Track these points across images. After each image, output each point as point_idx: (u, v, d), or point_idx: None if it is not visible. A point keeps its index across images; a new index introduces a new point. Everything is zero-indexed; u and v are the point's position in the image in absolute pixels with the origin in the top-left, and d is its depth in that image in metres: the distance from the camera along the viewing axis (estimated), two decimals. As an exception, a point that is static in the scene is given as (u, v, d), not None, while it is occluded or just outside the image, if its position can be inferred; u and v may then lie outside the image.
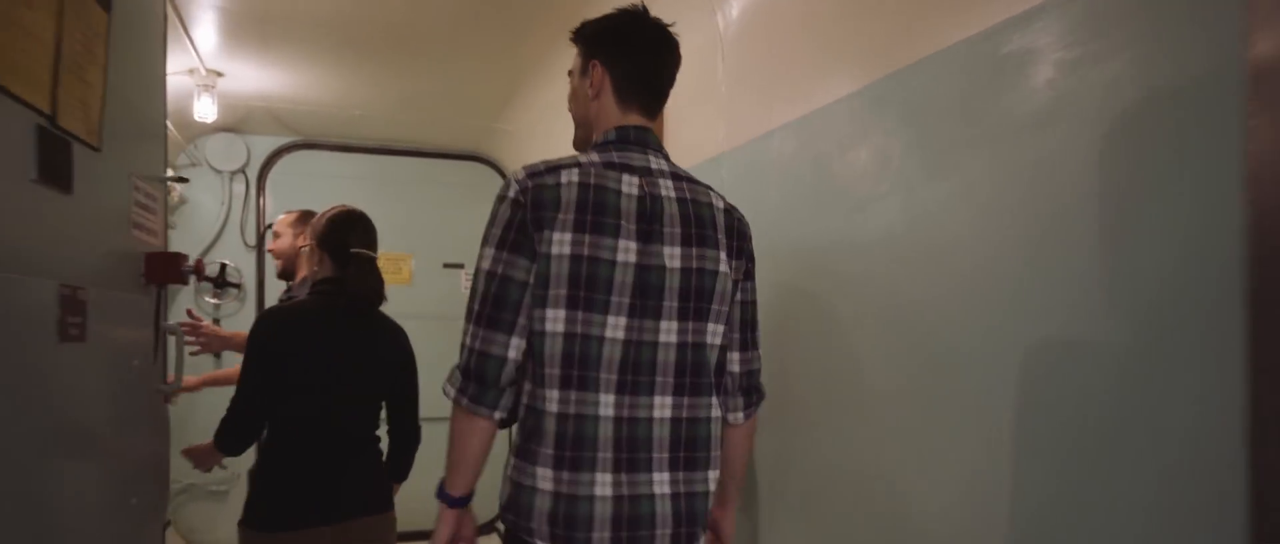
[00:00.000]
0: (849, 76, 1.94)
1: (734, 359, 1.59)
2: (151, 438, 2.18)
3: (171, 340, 2.43)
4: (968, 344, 1.55)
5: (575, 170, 1.44)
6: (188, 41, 3.69)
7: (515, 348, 1.41)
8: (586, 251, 1.40)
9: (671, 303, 1.46)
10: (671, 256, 1.46)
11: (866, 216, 1.85)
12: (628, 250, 1.42)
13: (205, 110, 4.23)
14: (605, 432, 1.41)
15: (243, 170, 5.25)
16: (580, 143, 1.63)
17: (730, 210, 1.59)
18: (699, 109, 2.66)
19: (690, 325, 1.48)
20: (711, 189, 1.58)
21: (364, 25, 3.62)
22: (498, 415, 1.43)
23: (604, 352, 1.41)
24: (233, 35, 3.71)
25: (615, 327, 1.41)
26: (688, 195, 1.52)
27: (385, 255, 4.01)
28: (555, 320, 1.40)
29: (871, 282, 1.83)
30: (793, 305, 2.12)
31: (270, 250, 3.25)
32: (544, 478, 1.41)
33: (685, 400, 1.48)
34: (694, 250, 1.48)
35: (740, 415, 1.62)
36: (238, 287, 5.13)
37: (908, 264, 1.72)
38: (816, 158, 2.06)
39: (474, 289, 1.44)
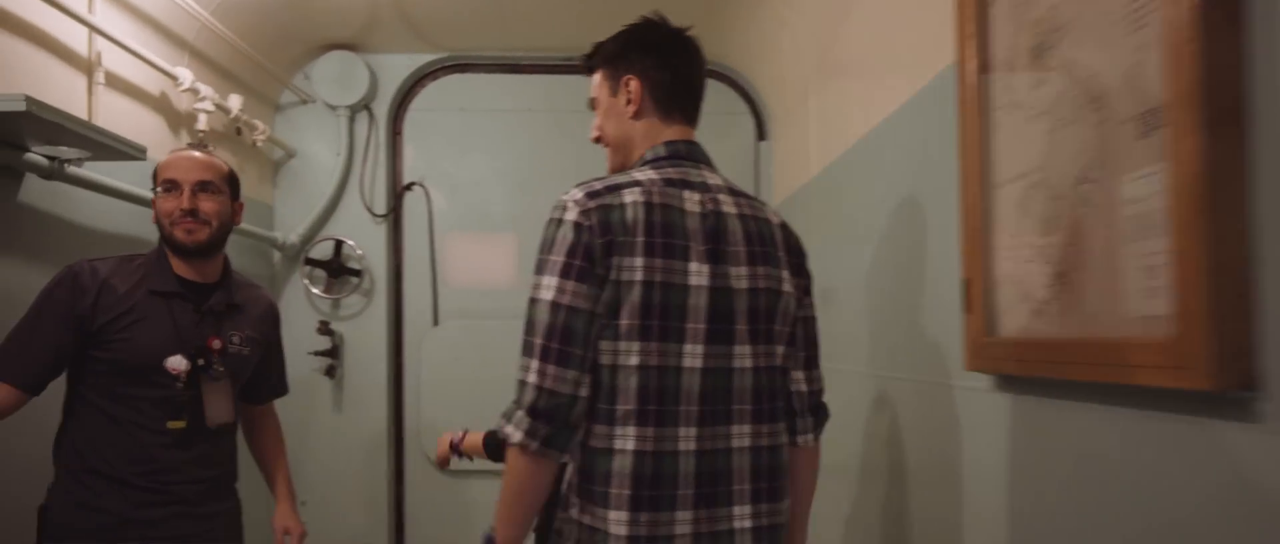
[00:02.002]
0: None
1: (799, 378, 1.54)
2: None
3: None
4: None
5: (637, 189, 1.39)
6: None
7: (586, 385, 1.35)
8: (659, 277, 1.36)
9: (743, 326, 1.43)
10: (738, 277, 1.43)
11: None
12: (700, 273, 1.39)
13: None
14: (687, 467, 1.38)
15: (367, 105, 3.59)
16: (617, 168, 1.56)
17: (785, 226, 1.56)
18: None
19: (761, 349, 1.46)
20: (766, 205, 1.56)
21: None
22: (565, 458, 1.38)
23: (684, 382, 1.38)
24: None
25: (694, 355, 1.39)
26: (748, 211, 1.49)
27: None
28: (628, 353, 1.35)
29: None
30: None
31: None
32: (618, 522, 1.35)
33: (763, 428, 1.46)
34: (759, 269, 1.45)
35: (810, 437, 1.57)
36: (358, 274, 3.51)
37: None
38: None
39: (532, 321, 1.35)
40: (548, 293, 1.33)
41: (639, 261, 1.33)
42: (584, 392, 1.34)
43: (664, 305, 1.35)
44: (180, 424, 1.87)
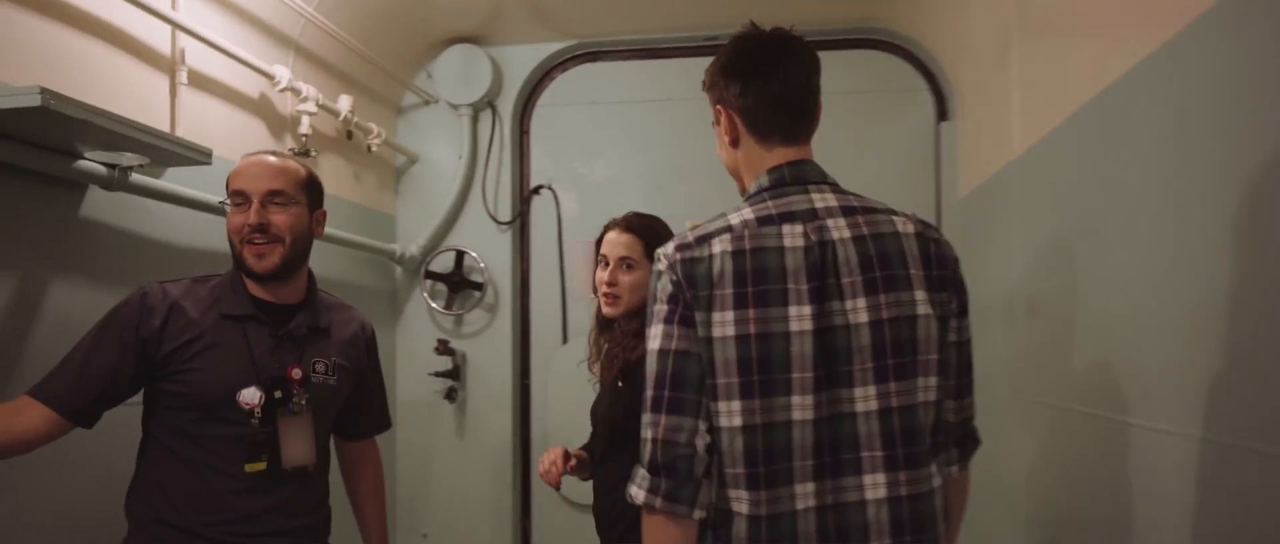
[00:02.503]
0: None
1: (949, 407, 1.39)
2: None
3: None
4: None
5: (727, 236, 1.32)
6: None
7: (703, 433, 1.28)
8: (753, 329, 1.27)
9: (865, 364, 1.29)
10: (855, 310, 1.29)
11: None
12: (801, 317, 1.28)
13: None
14: (807, 526, 1.27)
15: (491, 103, 3.28)
16: (742, 194, 1.49)
17: (923, 234, 1.35)
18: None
19: (892, 387, 1.30)
20: (895, 212, 1.37)
21: None
22: (697, 514, 1.28)
23: (794, 437, 1.27)
24: None
25: (803, 407, 1.27)
26: (866, 231, 1.33)
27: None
28: (730, 414, 1.27)
29: None
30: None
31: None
32: None
33: (901, 475, 1.29)
34: (882, 298, 1.30)
35: (954, 468, 1.43)
36: (481, 288, 3.19)
37: None
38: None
39: (646, 374, 1.31)
40: (655, 341, 1.30)
41: (730, 316, 1.28)
42: (702, 440, 1.28)
43: (763, 358, 1.27)
44: (259, 467, 1.59)
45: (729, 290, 1.27)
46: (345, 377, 1.76)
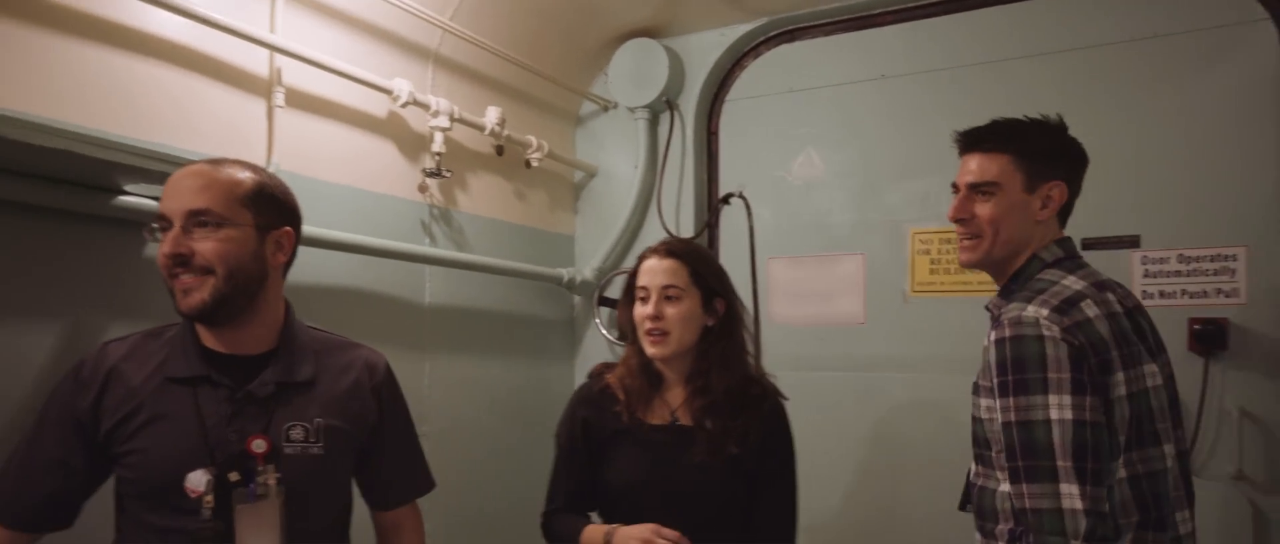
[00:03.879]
0: None
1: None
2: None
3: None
4: None
5: (1088, 301, 1.41)
6: None
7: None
8: (1134, 387, 1.40)
9: (1165, 422, 1.45)
10: (1153, 374, 1.44)
11: None
12: (1153, 373, 1.43)
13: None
14: None
15: (670, 102, 2.86)
16: (984, 259, 1.55)
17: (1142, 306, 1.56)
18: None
19: (1178, 435, 1.49)
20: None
21: None
22: None
23: (1168, 483, 1.41)
24: None
25: (1168, 455, 1.42)
26: (1133, 303, 1.51)
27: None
28: (1116, 467, 1.39)
29: None
30: None
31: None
32: None
33: (1188, 513, 1.47)
34: (1161, 359, 1.48)
35: None
36: (659, 318, 2.76)
37: None
38: None
39: (1050, 443, 1.33)
40: (1066, 412, 1.32)
41: (1120, 376, 1.38)
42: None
43: (1145, 412, 1.39)
44: None
45: (1115, 352, 1.37)
46: (340, 441, 1.38)
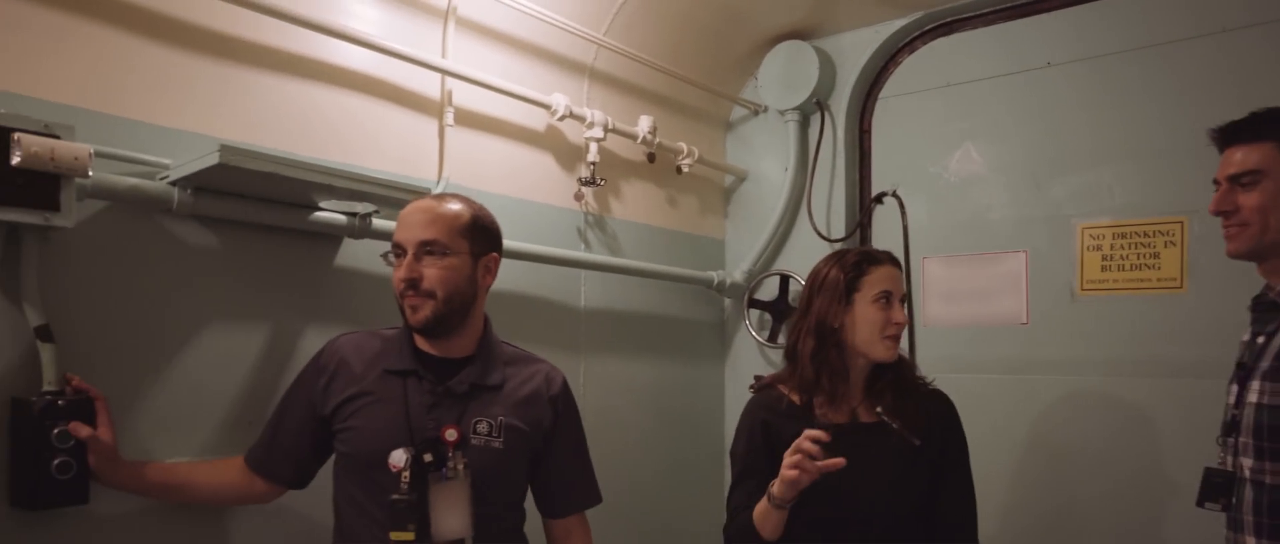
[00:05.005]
0: None
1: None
2: None
3: None
4: None
5: None
6: None
7: None
8: None
9: None
10: None
11: None
12: None
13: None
14: None
15: (820, 103, 2.85)
16: (1247, 249, 1.53)
17: None
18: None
19: None
20: None
21: None
22: None
23: None
24: None
25: None
26: None
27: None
28: None
29: None
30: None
31: None
32: None
33: None
34: None
35: None
36: (810, 319, 2.75)
37: None
38: None
39: None
40: None
41: None
42: None
43: None
44: (407, 537, 1.45)
45: None
46: (518, 440, 1.55)
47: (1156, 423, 2.28)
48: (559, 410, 1.64)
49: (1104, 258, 2.39)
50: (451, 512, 1.46)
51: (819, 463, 1.50)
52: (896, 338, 1.72)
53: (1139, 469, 2.30)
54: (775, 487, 1.57)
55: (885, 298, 1.72)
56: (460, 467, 1.47)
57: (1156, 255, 2.30)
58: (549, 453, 1.63)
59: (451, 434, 1.47)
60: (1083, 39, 2.47)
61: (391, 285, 1.53)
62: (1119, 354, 2.34)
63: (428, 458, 1.45)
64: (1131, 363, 2.32)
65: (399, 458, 1.45)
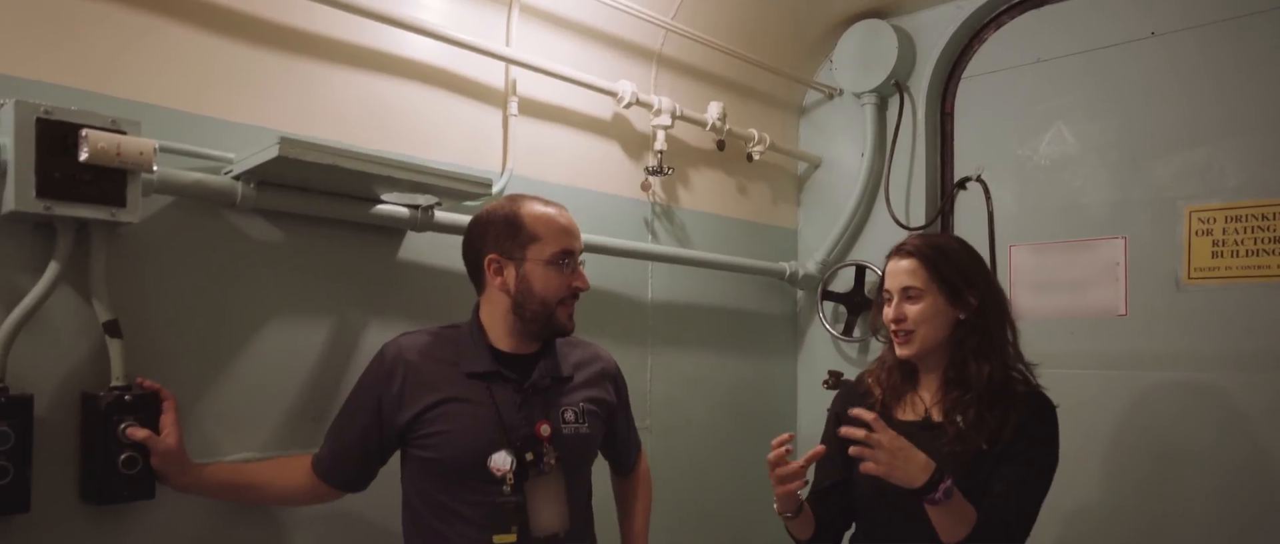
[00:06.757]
0: None
1: None
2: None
3: None
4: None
5: None
6: None
7: None
8: None
9: None
10: None
11: None
12: None
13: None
14: None
15: (898, 84, 2.71)
16: None
17: None
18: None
19: None
20: None
21: None
22: None
23: None
24: None
25: None
26: None
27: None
28: None
29: None
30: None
31: None
32: None
33: None
34: None
35: None
36: (888, 312, 2.63)
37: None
38: None
39: None
40: None
41: None
42: None
43: None
44: (509, 539, 1.46)
45: None
46: (597, 419, 1.61)
47: (1273, 421, 2.10)
48: (619, 385, 1.73)
49: (1215, 243, 2.20)
50: (548, 506, 1.49)
51: (792, 464, 1.50)
52: (898, 335, 1.63)
53: (1252, 472, 2.11)
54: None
55: (888, 295, 1.66)
56: (554, 461, 1.50)
57: (1278, 240, 2.11)
58: (615, 424, 1.71)
59: (545, 429, 1.50)
60: (1190, 6, 2.28)
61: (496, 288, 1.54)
62: (1231, 347, 2.15)
63: (529, 457, 1.47)
64: (1246, 357, 2.14)
65: (503, 460, 1.45)
